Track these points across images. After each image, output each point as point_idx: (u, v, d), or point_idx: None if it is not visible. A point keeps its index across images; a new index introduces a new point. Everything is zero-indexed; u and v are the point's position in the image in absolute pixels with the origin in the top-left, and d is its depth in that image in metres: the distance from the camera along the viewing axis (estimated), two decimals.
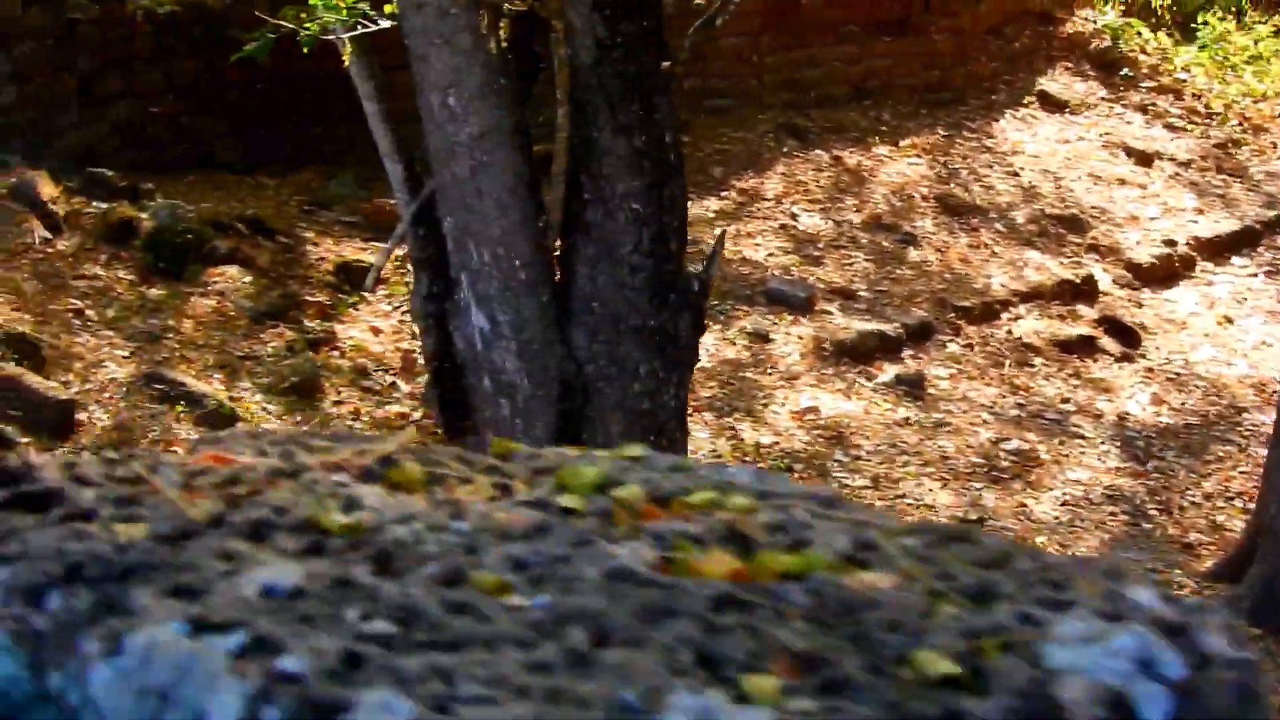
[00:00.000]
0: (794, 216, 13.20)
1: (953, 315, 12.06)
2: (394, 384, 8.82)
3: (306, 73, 10.60)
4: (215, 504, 1.39)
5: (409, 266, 10.30)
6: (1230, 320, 13.72)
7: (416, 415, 8.51)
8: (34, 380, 7.16)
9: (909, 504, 8.95)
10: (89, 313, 8.27)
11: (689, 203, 6.89)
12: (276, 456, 1.57)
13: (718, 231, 7.88)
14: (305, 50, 6.75)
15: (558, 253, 6.57)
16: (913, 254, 13.09)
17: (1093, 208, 15.33)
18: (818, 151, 14.44)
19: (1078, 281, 13.28)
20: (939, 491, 9.19)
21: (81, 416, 7.10)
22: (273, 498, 1.42)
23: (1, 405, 6.94)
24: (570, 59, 6.25)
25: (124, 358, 7.97)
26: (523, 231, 6.40)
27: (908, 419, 10.18)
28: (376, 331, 9.39)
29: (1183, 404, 11.58)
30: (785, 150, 14.25)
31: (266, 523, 1.36)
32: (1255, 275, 15.00)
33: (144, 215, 9.24)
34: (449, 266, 6.61)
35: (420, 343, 6.80)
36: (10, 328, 7.67)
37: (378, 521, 1.38)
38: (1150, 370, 12.14)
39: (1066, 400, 11.11)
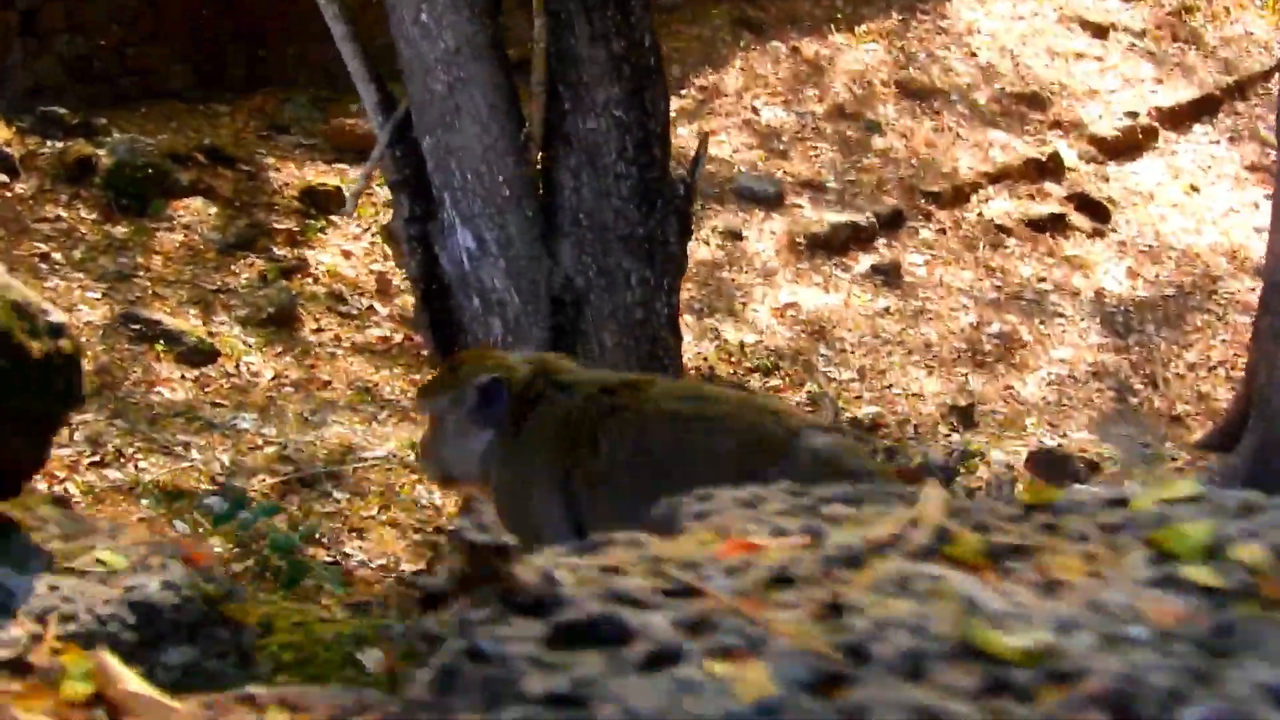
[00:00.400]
0: (756, 111, 13.03)
1: (923, 201, 11.98)
2: (371, 307, 8.67)
3: None
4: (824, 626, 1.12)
5: (381, 188, 10.16)
6: (1196, 189, 13.70)
7: (398, 338, 8.38)
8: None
9: (896, 394, 8.90)
10: (55, 255, 8.08)
11: None
12: (797, 530, 1.35)
13: (696, 132, 7.75)
14: None
15: (539, 166, 6.43)
16: (878, 141, 12.97)
17: (1052, 83, 15.22)
18: (774, 43, 14.25)
19: (1043, 159, 13.21)
20: (925, 379, 9.15)
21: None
22: (864, 603, 1.16)
23: None
24: None
25: (96, 300, 7.80)
26: (504, 146, 6.25)
27: (888, 309, 10.12)
28: (348, 255, 9.22)
29: (1157, 276, 11.56)
30: (741, 44, 14.05)
31: (914, 653, 1.09)
32: (1218, 143, 14.96)
33: (101, 152, 9.01)
34: (429, 187, 6.46)
35: (404, 266, 6.65)
36: None
37: (1041, 640, 1.11)
38: (1123, 244, 12.11)
39: (1043, 280, 11.07)
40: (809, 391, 8.70)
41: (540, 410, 4.19)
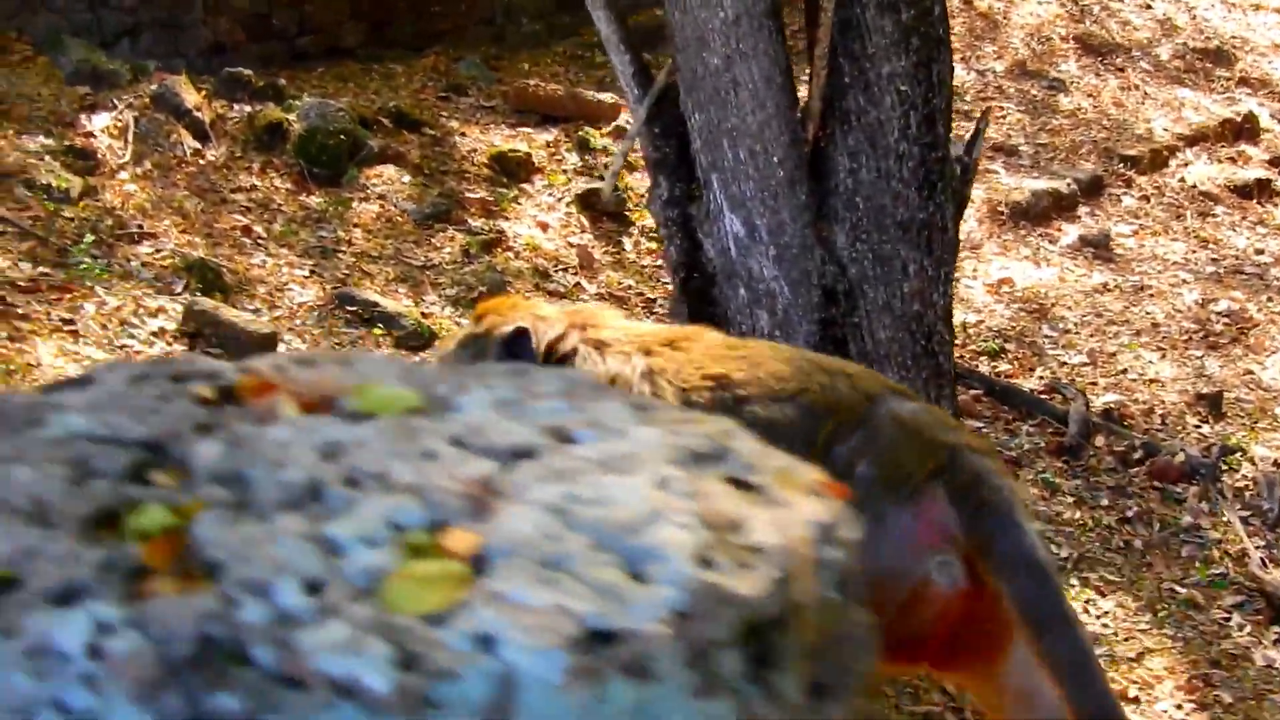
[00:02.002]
0: None
1: (1121, 166, 11.35)
2: (579, 284, 8.21)
3: None
4: None
5: (570, 154, 9.68)
6: None
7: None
8: (231, 313, 6.58)
9: (1133, 380, 8.34)
10: (256, 228, 7.67)
11: None
12: None
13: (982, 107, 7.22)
14: None
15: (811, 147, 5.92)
16: (1064, 101, 12.34)
17: (1233, 37, 14.50)
18: None
19: (1238, 119, 12.53)
20: (1159, 363, 8.57)
21: (280, 348, 6.52)
22: None
23: (200, 342, 6.36)
24: None
25: (304, 277, 7.38)
26: (780, 125, 5.75)
27: (1106, 284, 9.54)
28: (545, 227, 8.76)
29: None
30: None
31: None
32: None
33: (292, 117, 8.59)
34: (691, 167, 5.98)
35: (663, 252, 6.16)
36: (189, 254, 7.08)
37: None
38: None
39: (1261, 251, 10.43)
40: (1041, 377, 8.16)
41: (579, 362, 3.81)
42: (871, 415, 3.50)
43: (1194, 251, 10.27)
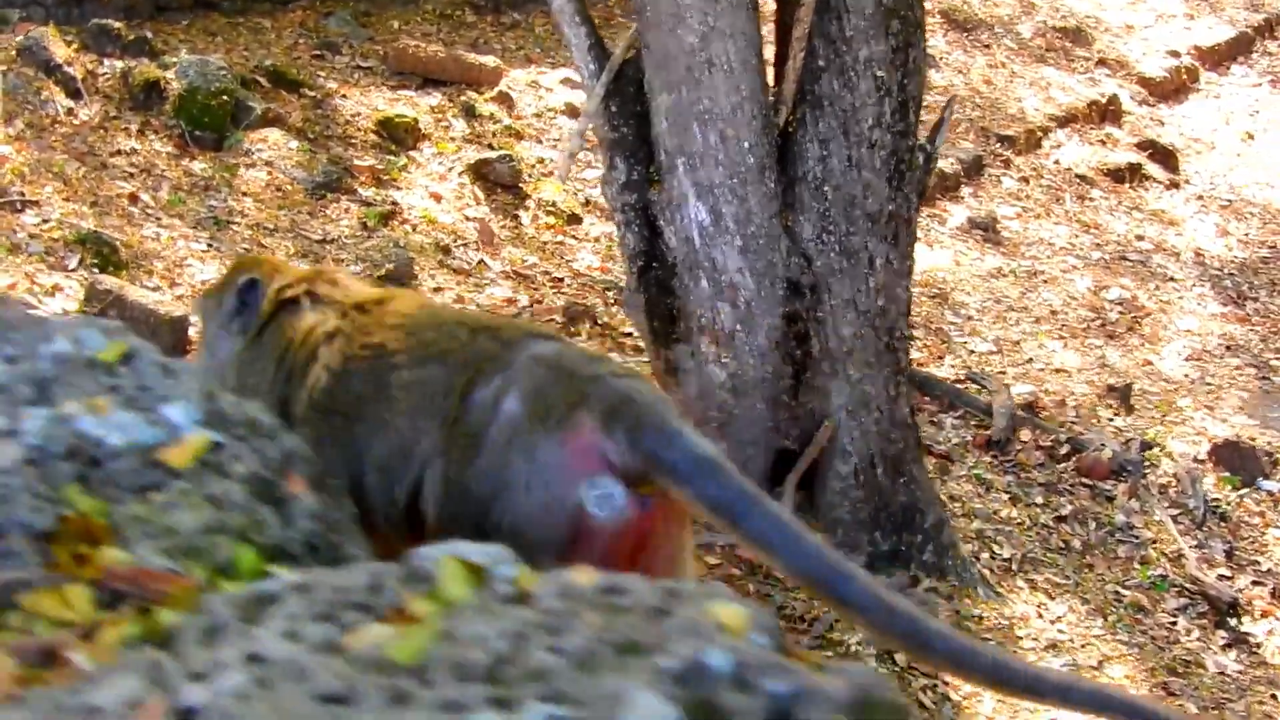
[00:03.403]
0: None
1: (998, 145, 11.29)
2: (483, 261, 7.81)
3: None
4: None
5: (457, 120, 9.24)
6: (1252, 136, 13.17)
7: (523, 300, 7.54)
8: (136, 293, 6.06)
9: (1040, 370, 8.25)
10: (143, 196, 7.12)
11: None
12: None
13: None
14: None
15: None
16: (936, 78, 12.22)
17: (1088, 17, 14.61)
18: None
19: (1104, 101, 12.58)
20: (1063, 353, 8.50)
21: (192, 332, 6.02)
22: None
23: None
24: None
25: (202, 251, 6.87)
26: (754, 108, 5.45)
27: (1000, 269, 9.45)
28: (439, 198, 8.34)
29: (1246, 235, 11.01)
30: None
31: None
32: (1259, 85, 14.46)
33: (170, 75, 8.00)
34: (649, 150, 5.64)
35: (619, 238, 5.81)
36: (78, 225, 6.51)
37: None
38: (1200, 198, 11.54)
39: (1141, 238, 10.46)
40: (952, 366, 8.01)
41: (281, 320, 3.88)
42: (512, 360, 3.50)
43: (1077, 236, 10.24)
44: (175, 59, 8.22)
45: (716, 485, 3.18)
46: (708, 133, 5.42)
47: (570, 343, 3.93)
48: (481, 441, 3.42)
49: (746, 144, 5.44)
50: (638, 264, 5.70)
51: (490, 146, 9.03)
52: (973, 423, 7.29)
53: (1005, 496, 6.78)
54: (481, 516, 3.40)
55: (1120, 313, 9.17)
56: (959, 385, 7.69)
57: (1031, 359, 8.36)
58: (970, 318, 8.73)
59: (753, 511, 3.13)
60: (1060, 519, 6.67)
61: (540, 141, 9.38)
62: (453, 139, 8.99)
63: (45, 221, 6.52)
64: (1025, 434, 7.27)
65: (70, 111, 7.56)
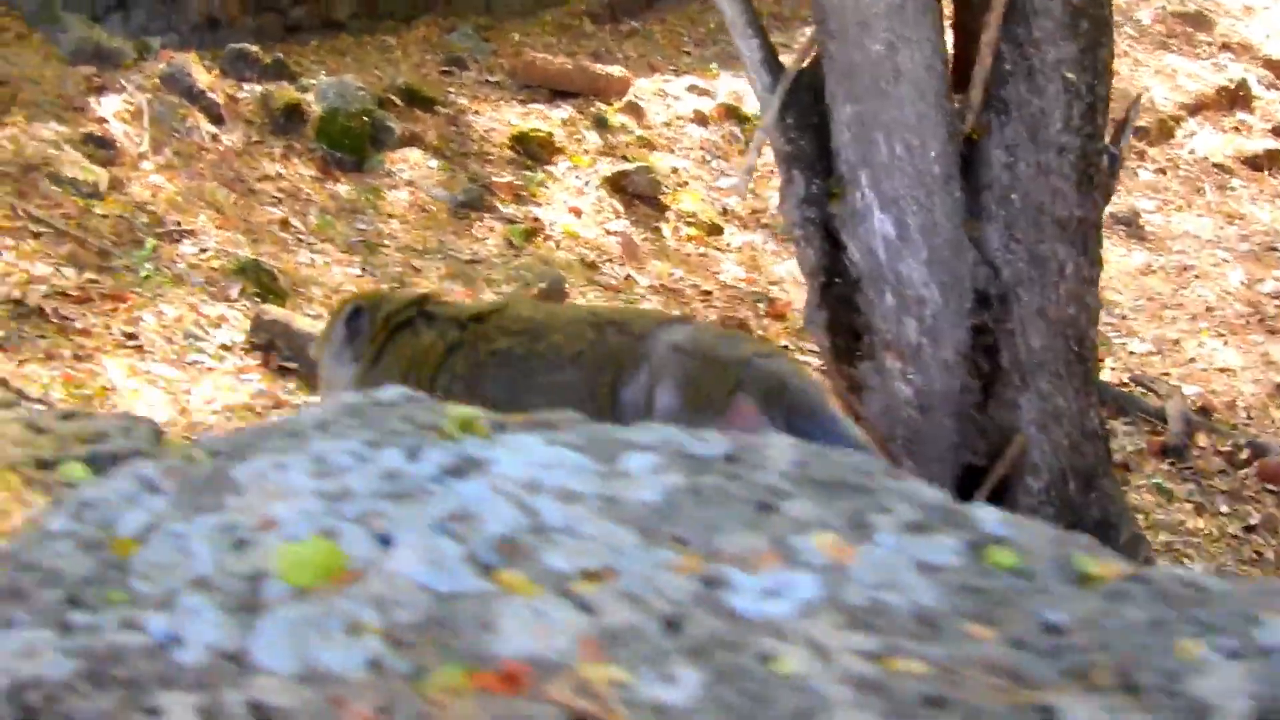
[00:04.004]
0: None
1: (1131, 137, 11.02)
2: (629, 276, 7.69)
3: None
4: None
5: (588, 131, 9.13)
6: None
7: (673, 311, 7.40)
8: (303, 322, 5.99)
9: (1202, 369, 8.01)
10: (293, 222, 7.06)
11: None
12: None
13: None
14: None
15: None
16: None
17: (1207, 0, 14.29)
18: None
19: (1233, 87, 12.30)
20: (1223, 350, 8.26)
21: None
22: None
23: (273, 355, 5.77)
24: None
25: (357, 276, 6.79)
26: (937, 117, 5.27)
27: (1149, 265, 9.22)
28: (579, 213, 8.23)
29: None
30: None
31: None
32: None
33: (309, 98, 7.95)
34: (829, 162, 5.48)
35: (798, 254, 5.66)
36: (235, 253, 6.46)
37: None
38: None
39: None
40: (1113, 369, 7.80)
41: (399, 341, 4.01)
42: (648, 352, 3.52)
43: (1222, 228, 9.99)
44: (313, 81, 8.18)
45: None
46: (893, 143, 5.25)
47: (700, 322, 3.84)
48: None
49: (932, 153, 5.27)
50: (818, 280, 5.55)
51: (624, 158, 8.92)
52: (1145, 429, 7.09)
53: (1189, 506, 6.57)
54: None
55: (1278, 307, 8.91)
56: (1124, 389, 7.48)
57: (1194, 358, 8.13)
58: (1125, 317, 8.51)
59: None
60: (1249, 529, 6.45)
61: (673, 151, 9.26)
62: (586, 151, 8.89)
63: (203, 251, 6.47)
64: (1201, 439, 7.06)
65: (214, 137, 7.52)
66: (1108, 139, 5.75)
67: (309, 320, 6.08)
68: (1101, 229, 5.71)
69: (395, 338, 4.04)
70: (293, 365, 5.79)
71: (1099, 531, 5.75)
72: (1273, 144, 11.34)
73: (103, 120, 7.15)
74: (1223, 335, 8.44)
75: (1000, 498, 5.78)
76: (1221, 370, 8.04)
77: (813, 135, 5.49)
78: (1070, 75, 5.29)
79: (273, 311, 5.99)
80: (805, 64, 5.51)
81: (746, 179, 5.92)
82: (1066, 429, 5.68)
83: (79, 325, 5.51)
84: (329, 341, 4.22)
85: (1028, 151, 5.38)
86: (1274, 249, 9.78)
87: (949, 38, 5.62)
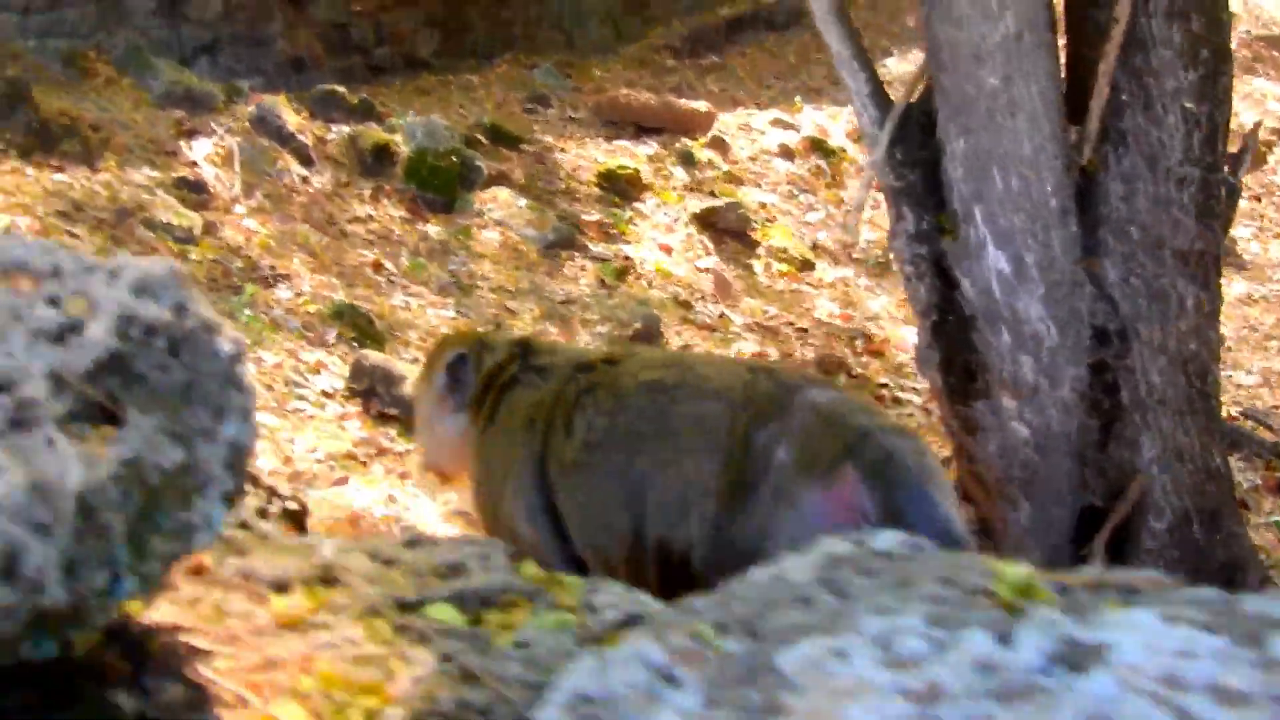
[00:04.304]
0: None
1: None
2: (724, 315, 7.57)
3: None
4: None
5: (675, 167, 9.03)
6: None
7: (772, 354, 7.28)
8: (402, 368, 5.90)
9: None
10: (385, 264, 6.99)
11: None
12: None
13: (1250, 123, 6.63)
14: None
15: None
16: None
17: None
18: None
19: None
20: None
21: None
22: None
23: (374, 402, 5.69)
24: None
25: (450, 319, 6.71)
26: (1055, 149, 5.13)
27: (1249, 295, 9.02)
28: (669, 250, 8.12)
29: None
30: None
31: None
32: None
33: (397, 138, 7.89)
34: (940, 198, 5.35)
35: (909, 291, 5.53)
36: (329, 297, 6.39)
37: None
38: None
39: None
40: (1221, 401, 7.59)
41: (513, 396, 4.01)
42: (789, 404, 3.53)
43: None
44: (400, 121, 8.12)
45: None
46: (1008, 177, 5.12)
47: (847, 392, 3.95)
48: (752, 490, 3.47)
49: (1048, 187, 5.14)
50: (931, 318, 5.41)
51: (711, 193, 8.82)
52: (1260, 464, 6.89)
53: None
54: (747, 567, 3.36)
55: None
56: (1235, 423, 7.29)
57: None
58: (1229, 348, 8.30)
59: None
60: None
61: (759, 185, 9.15)
62: (674, 188, 8.79)
63: (299, 295, 6.41)
64: None
65: (305, 180, 7.47)
66: (1227, 168, 5.61)
67: (408, 365, 6.00)
68: (1220, 261, 5.54)
69: (505, 396, 4.02)
70: (393, 412, 5.71)
71: (1226, 574, 5.57)
72: None
73: (194, 164, 7.12)
74: None
75: (1121, 541, 5.62)
76: None
77: (923, 170, 5.37)
78: (1189, 104, 5.15)
79: (372, 357, 5.90)
80: (914, 98, 5.39)
81: (857, 216, 5.79)
82: (1189, 467, 5.52)
83: None
84: (430, 386, 4.20)
85: (1146, 183, 5.24)
86: None
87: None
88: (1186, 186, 5.25)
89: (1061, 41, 5.55)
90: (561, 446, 3.83)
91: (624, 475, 3.70)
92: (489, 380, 4.07)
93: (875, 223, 9.05)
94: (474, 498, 4.14)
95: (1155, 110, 5.16)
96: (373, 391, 5.73)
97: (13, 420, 1.18)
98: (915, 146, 5.38)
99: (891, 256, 5.62)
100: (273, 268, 6.53)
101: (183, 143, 7.28)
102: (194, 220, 6.58)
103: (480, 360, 4.12)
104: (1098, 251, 5.33)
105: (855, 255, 8.61)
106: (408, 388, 5.03)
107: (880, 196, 9.61)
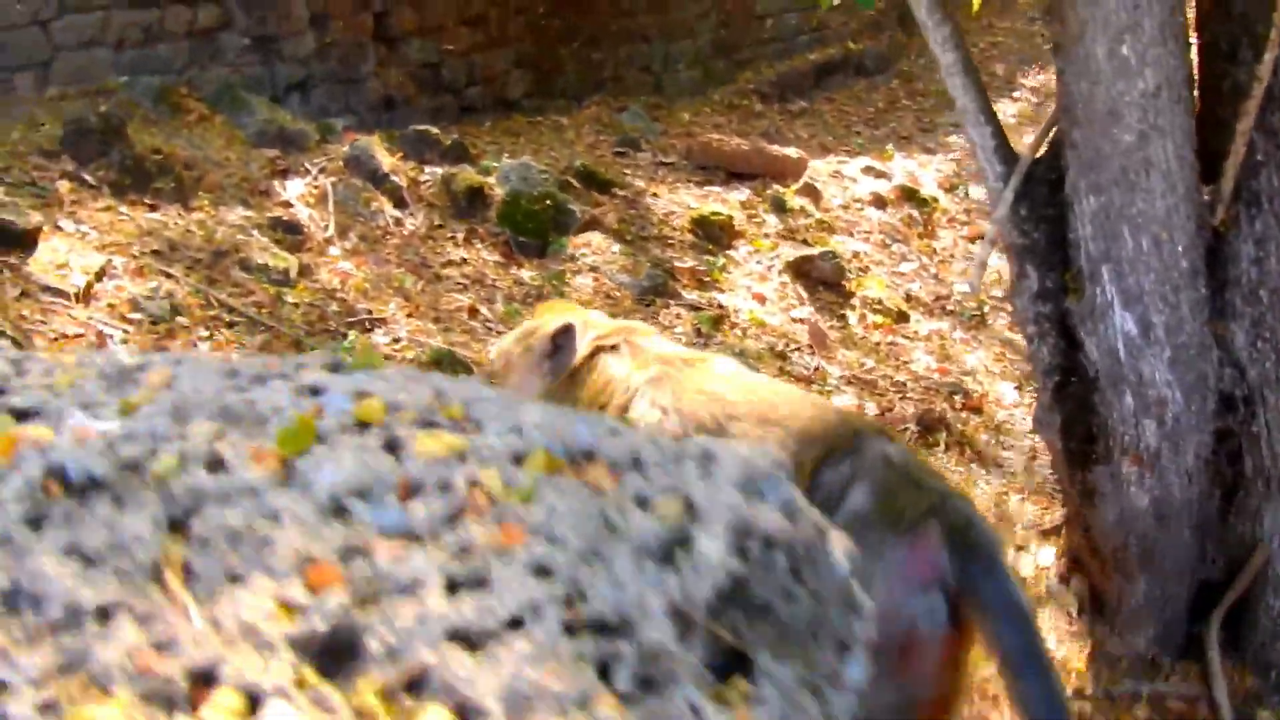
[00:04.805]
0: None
1: None
2: (820, 367, 7.41)
3: None
4: None
5: (767, 214, 8.90)
6: None
7: (870, 409, 7.12)
8: None
9: None
10: (481, 310, 6.88)
11: None
12: None
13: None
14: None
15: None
16: None
17: None
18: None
19: None
20: None
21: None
22: None
23: None
24: None
25: None
26: (1187, 209, 4.97)
27: None
28: (762, 299, 7.99)
29: None
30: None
31: None
32: None
33: (491, 180, 7.80)
34: (1064, 256, 5.19)
35: (1030, 352, 5.37)
36: (426, 342, 6.29)
37: None
38: None
39: None
40: None
41: (596, 365, 4.08)
42: (861, 448, 3.56)
43: None
44: (494, 164, 8.04)
45: (1017, 637, 3.33)
46: (1139, 237, 4.96)
47: (911, 450, 3.95)
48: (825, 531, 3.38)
49: (1180, 247, 4.97)
50: (1053, 379, 5.25)
51: (805, 242, 8.69)
52: None
53: None
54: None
55: None
56: None
57: None
58: None
59: (1037, 678, 3.29)
60: None
61: (852, 234, 9.01)
62: (766, 235, 8.67)
63: (396, 341, 6.31)
64: None
65: (398, 222, 7.39)
66: None
67: None
68: None
69: (595, 358, 4.12)
70: None
71: None
72: None
73: (288, 204, 7.05)
74: None
75: (1238, 616, 5.43)
76: None
77: (1048, 228, 5.22)
78: None
79: None
80: (1040, 153, 5.25)
81: (980, 272, 5.63)
82: None
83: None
84: (527, 351, 4.30)
85: (1278, 246, 5.06)
86: None
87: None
88: None
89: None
90: None
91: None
92: (590, 347, 4.16)
93: (969, 275, 8.90)
94: None
95: None
96: None
97: (642, 678, 0.96)
98: (1040, 204, 5.23)
99: (1012, 316, 5.45)
100: (369, 312, 6.44)
101: (276, 182, 7.21)
102: (290, 262, 6.50)
103: (585, 337, 4.20)
104: (1226, 314, 5.16)
105: (949, 308, 8.46)
106: (500, 342, 4.97)
107: (970, 248, 9.48)
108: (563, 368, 4.16)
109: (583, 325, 4.26)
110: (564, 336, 4.19)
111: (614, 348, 4.13)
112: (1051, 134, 5.31)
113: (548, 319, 4.34)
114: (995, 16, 12.93)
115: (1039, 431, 5.47)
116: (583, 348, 4.17)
